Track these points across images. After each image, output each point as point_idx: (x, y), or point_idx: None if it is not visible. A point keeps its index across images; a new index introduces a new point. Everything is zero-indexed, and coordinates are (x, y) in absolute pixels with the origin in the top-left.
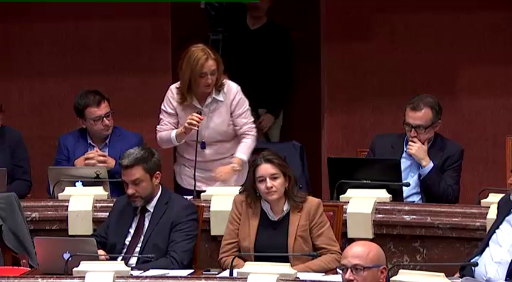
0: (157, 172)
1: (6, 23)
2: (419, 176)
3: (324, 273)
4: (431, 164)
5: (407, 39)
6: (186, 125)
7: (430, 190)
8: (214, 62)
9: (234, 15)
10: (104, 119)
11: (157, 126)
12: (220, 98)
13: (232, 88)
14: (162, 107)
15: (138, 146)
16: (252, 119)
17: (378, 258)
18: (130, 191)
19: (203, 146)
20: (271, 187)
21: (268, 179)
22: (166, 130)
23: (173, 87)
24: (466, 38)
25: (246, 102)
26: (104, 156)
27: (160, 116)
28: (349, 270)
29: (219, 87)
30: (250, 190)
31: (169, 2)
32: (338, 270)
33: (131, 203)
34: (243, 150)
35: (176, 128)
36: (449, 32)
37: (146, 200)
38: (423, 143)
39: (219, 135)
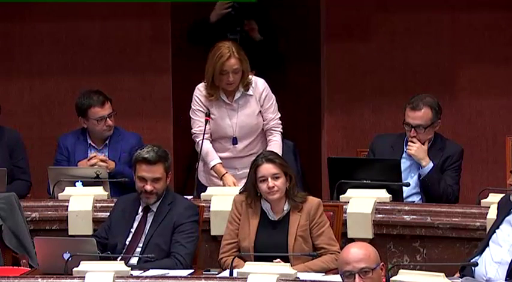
0: (170, 172)
1: (6, 22)
2: (419, 176)
3: (324, 273)
4: (431, 164)
5: (407, 39)
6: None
7: (430, 190)
8: (237, 60)
9: (253, 16)
10: (107, 119)
11: (194, 130)
12: (249, 92)
13: (260, 82)
14: (193, 107)
15: (138, 146)
16: (279, 115)
17: (377, 257)
18: (149, 187)
19: (235, 141)
20: (273, 187)
21: (270, 179)
22: (206, 133)
23: (200, 86)
24: (466, 38)
25: (273, 97)
26: (105, 161)
27: (194, 118)
28: (357, 275)
29: (246, 85)
30: (251, 190)
31: (169, 2)
32: (341, 276)
33: (142, 200)
34: (276, 148)
35: (210, 128)
36: (449, 32)
37: (158, 198)
38: (423, 143)
39: (250, 129)
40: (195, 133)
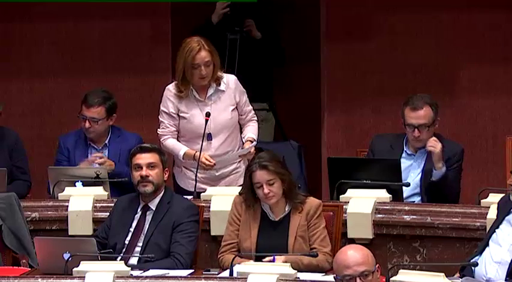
0: (167, 169)
1: (6, 23)
2: (423, 176)
3: (324, 273)
4: (444, 168)
5: (407, 39)
6: (201, 164)
7: (443, 191)
8: (208, 53)
9: (248, 15)
10: (88, 120)
11: (159, 130)
12: (221, 87)
13: (231, 78)
14: (162, 107)
15: None
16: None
17: (374, 259)
18: (144, 172)
19: (209, 137)
20: (269, 193)
21: (264, 185)
22: (169, 134)
23: (170, 86)
24: (466, 38)
25: (245, 91)
26: (103, 162)
27: (161, 119)
28: (357, 279)
29: (216, 80)
30: (248, 194)
31: (169, 2)
32: (337, 279)
33: (139, 190)
34: (253, 130)
35: (177, 130)
36: (449, 32)
37: (155, 189)
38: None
39: (224, 124)
40: (159, 133)
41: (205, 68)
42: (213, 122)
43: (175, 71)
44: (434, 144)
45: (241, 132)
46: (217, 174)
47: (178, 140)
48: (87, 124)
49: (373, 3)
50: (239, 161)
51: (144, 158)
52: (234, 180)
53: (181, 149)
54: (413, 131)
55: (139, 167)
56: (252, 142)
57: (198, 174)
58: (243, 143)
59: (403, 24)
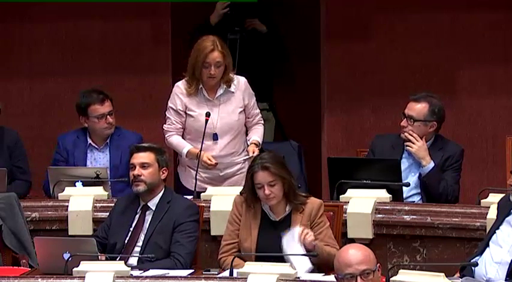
0: (165, 168)
1: (6, 23)
2: (420, 175)
3: (323, 274)
4: (431, 164)
5: (407, 39)
6: (203, 163)
7: (429, 189)
8: (221, 54)
9: (248, 15)
10: (108, 116)
11: (165, 126)
12: (231, 89)
13: (241, 80)
14: (170, 104)
15: None
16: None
17: (375, 258)
18: (136, 172)
19: (215, 137)
20: (270, 194)
21: (265, 186)
22: (175, 130)
23: (180, 83)
24: (466, 38)
25: (253, 94)
26: None
27: (167, 115)
28: (358, 278)
29: (227, 82)
30: (249, 194)
31: (169, 2)
32: (338, 278)
33: (133, 189)
34: (258, 134)
35: (183, 127)
36: (449, 32)
37: (149, 189)
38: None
39: (231, 125)
40: (164, 129)
41: (215, 68)
42: (220, 122)
43: (187, 69)
44: (410, 145)
45: (246, 134)
46: (221, 174)
47: (183, 138)
48: (110, 119)
49: (373, 3)
50: (244, 162)
51: (138, 158)
52: (238, 180)
53: (185, 147)
54: (403, 119)
55: (133, 166)
56: (256, 145)
57: (203, 174)
58: (248, 146)
59: (403, 24)
